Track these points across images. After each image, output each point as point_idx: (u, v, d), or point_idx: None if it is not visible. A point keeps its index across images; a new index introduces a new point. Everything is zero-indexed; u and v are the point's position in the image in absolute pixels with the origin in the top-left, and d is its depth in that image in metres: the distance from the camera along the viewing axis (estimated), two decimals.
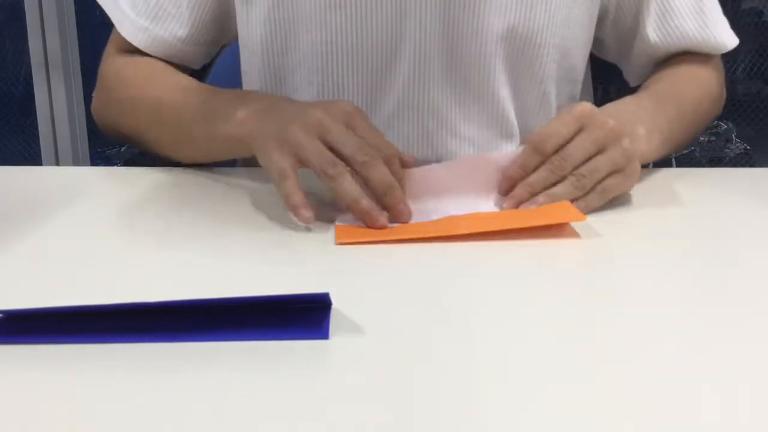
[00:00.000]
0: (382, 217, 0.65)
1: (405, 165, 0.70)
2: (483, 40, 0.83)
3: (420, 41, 0.83)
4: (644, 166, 0.78)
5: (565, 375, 0.43)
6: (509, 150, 0.84)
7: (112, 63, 0.92)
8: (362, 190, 0.66)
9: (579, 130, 0.70)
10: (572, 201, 0.68)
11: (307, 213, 0.65)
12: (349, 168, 0.66)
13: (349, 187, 0.65)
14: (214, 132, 0.78)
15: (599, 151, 0.70)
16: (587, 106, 0.72)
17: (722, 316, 0.51)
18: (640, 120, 0.78)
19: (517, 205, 0.68)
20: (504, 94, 0.86)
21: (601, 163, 0.70)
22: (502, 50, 0.84)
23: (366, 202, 0.65)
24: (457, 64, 0.84)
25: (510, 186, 0.70)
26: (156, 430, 0.38)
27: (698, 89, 0.90)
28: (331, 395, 0.41)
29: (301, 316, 0.50)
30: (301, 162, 0.67)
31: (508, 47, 0.84)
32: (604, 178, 0.70)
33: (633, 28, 0.91)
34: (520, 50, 0.85)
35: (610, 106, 0.78)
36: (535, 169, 0.70)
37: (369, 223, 0.65)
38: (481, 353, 0.46)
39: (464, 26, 0.82)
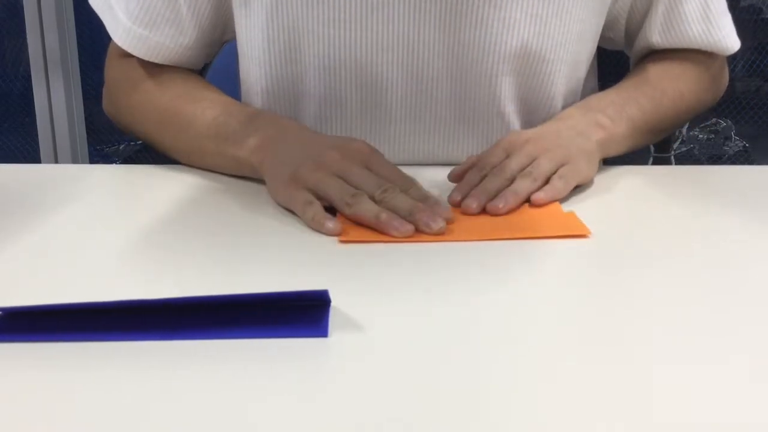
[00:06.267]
0: (406, 225, 0.64)
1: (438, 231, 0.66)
2: (494, 58, 0.82)
3: (427, 59, 0.82)
4: (641, 160, 0.78)
5: (566, 375, 0.43)
6: None
7: (117, 65, 0.90)
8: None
9: (507, 157, 0.74)
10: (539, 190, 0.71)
11: (331, 224, 0.64)
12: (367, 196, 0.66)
13: (367, 206, 0.65)
14: (224, 151, 0.78)
15: (533, 160, 0.73)
16: (513, 135, 0.77)
17: (721, 314, 0.51)
18: (603, 110, 0.82)
19: (481, 207, 0.69)
20: (511, 110, 0.86)
21: (543, 162, 0.73)
22: (512, 67, 0.83)
23: (386, 216, 0.64)
24: (464, 81, 0.83)
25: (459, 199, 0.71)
26: (154, 427, 0.38)
27: (680, 82, 0.90)
28: (330, 393, 0.41)
29: (301, 313, 0.50)
30: (319, 196, 0.67)
31: (519, 64, 0.83)
32: (555, 171, 0.73)
33: (638, 29, 0.92)
34: (531, 67, 0.84)
35: (569, 110, 0.83)
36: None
37: (394, 233, 0.63)
38: (482, 352, 0.46)
39: (474, 44, 0.82)
